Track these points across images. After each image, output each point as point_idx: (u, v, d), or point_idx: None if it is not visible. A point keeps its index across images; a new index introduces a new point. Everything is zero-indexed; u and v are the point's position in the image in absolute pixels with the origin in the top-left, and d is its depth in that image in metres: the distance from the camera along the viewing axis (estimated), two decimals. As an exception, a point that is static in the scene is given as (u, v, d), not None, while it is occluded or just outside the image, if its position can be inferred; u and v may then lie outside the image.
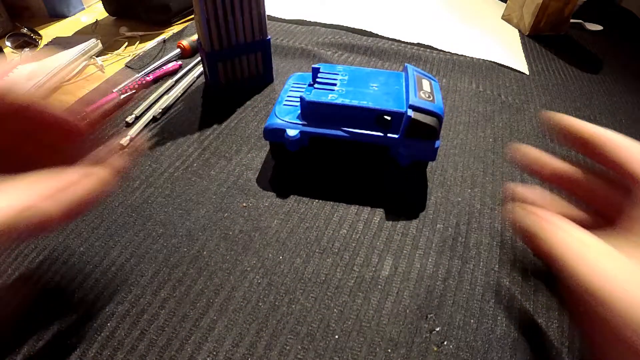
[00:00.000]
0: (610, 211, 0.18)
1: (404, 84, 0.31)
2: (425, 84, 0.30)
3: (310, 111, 0.29)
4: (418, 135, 0.28)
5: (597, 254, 0.15)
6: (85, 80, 0.47)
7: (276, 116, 0.30)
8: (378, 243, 0.28)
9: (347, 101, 0.29)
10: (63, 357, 0.22)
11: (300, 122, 0.29)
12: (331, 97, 0.29)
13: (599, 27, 0.62)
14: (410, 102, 0.28)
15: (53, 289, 0.25)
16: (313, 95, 0.29)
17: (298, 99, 0.31)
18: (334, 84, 0.30)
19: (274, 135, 0.30)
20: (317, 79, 0.31)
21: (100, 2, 0.61)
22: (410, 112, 0.27)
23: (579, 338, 0.23)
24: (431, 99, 0.28)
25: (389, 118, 0.28)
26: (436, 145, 0.28)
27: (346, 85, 0.30)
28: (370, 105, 0.28)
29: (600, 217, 0.19)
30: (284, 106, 0.31)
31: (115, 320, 0.24)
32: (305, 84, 0.33)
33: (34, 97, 0.19)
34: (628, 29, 0.65)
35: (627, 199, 0.17)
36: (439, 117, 0.28)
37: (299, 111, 0.30)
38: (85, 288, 0.25)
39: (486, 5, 0.68)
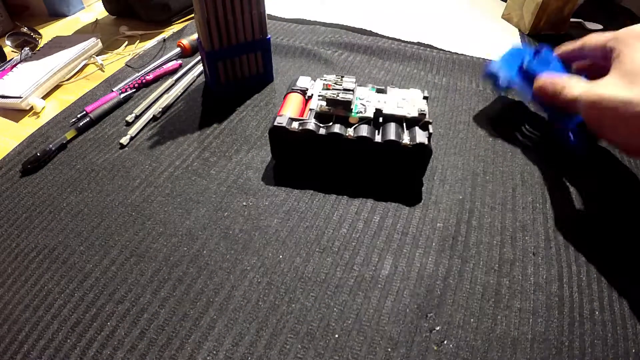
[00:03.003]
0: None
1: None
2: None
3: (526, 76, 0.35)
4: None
5: (595, 85, 0.28)
6: (85, 79, 0.47)
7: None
8: (378, 242, 0.28)
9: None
10: (63, 356, 0.22)
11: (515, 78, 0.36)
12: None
13: (599, 27, 0.62)
14: None
15: (53, 288, 0.25)
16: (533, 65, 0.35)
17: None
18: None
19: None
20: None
21: (100, 1, 0.61)
22: None
23: (579, 338, 0.23)
24: None
25: None
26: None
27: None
28: None
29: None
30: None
31: (115, 319, 0.24)
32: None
33: None
34: (628, 28, 0.65)
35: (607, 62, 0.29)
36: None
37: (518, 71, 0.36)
38: (85, 287, 0.25)
39: (486, 4, 0.67)
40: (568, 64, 0.35)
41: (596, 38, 0.31)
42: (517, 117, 0.39)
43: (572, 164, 0.34)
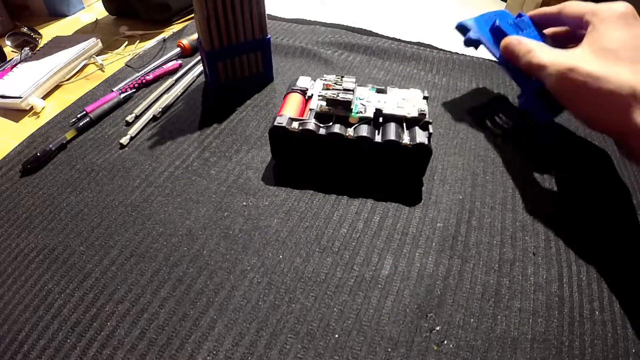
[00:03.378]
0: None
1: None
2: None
3: (496, 35, 0.36)
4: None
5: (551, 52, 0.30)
6: (85, 79, 0.47)
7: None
8: (378, 242, 0.28)
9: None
10: (63, 356, 0.22)
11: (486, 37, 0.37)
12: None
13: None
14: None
15: (53, 288, 0.25)
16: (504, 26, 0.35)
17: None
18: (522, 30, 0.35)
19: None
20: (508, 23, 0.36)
21: (100, 1, 0.61)
22: None
23: (579, 338, 0.23)
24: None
25: None
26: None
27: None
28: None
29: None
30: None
31: (115, 319, 0.24)
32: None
33: None
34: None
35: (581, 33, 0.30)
36: None
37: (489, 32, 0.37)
38: (85, 287, 0.25)
39: (486, 4, 0.67)
40: (542, 30, 0.35)
41: (573, 7, 0.31)
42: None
43: (572, 165, 0.34)
